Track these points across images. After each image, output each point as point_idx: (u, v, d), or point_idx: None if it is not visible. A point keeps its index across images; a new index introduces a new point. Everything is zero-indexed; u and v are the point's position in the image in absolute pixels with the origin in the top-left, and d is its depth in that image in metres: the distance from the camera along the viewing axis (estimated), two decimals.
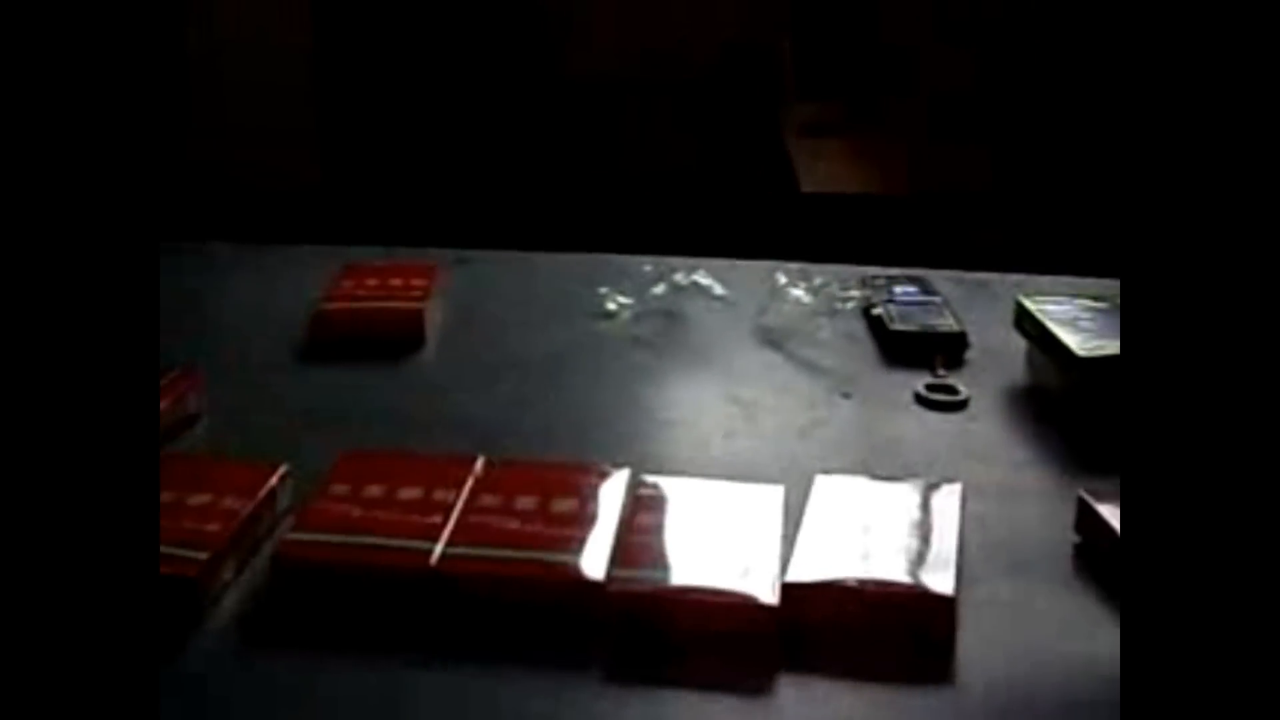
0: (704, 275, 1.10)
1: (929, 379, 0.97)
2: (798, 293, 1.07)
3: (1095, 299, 1.01)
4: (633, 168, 2.77)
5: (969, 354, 1.02)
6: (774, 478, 0.79)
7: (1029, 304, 0.99)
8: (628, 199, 2.64)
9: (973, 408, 0.95)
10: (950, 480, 0.80)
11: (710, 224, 2.38)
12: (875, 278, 1.11)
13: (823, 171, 2.28)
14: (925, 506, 0.77)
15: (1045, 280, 1.15)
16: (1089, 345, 0.92)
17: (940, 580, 0.69)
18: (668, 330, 1.05)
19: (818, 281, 1.08)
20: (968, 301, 1.10)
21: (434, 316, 1.06)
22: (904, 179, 2.17)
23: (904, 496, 0.78)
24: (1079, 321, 0.96)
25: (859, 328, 1.06)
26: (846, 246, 1.69)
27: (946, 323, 1.03)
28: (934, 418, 0.93)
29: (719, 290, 1.09)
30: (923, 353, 1.00)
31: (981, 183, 2.17)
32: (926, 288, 1.09)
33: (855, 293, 1.08)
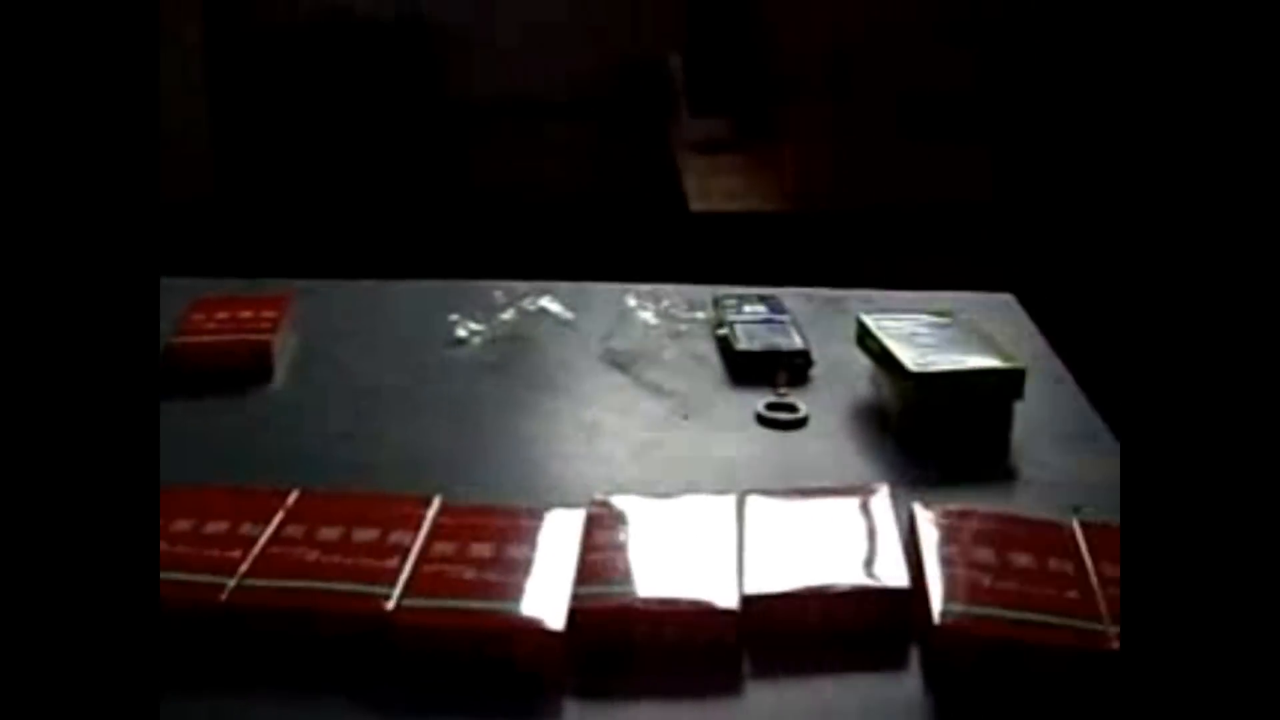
0: (552, 300, 1.10)
1: (771, 398, 0.97)
2: (646, 315, 1.07)
3: (939, 314, 1.02)
4: (521, 189, 2.77)
5: (815, 372, 1.03)
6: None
7: (869, 321, 1.00)
8: (518, 221, 2.64)
9: (814, 425, 0.96)
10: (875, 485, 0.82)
11: (602, 245, 2.38)
12: (726, 297, 1.12)
13: (713, 188, 2.29)
14: (862, 512, 0.78)
15: (904, 295, 1.17)
16: (923, 361, 0.93)
17: (895, 576, 0.71)
18: (516, 355, 1.05)
19: (665, 304, 1.09)
20: (819, 319, 1.11)
21: (284, 347, 1.05)
22: (793, 195, 2.19)
23: (836, 506, 0.79)
24: (916, 337, 0.97)
25: (708, 348, 1.07)
26: (736, 264, 1.70)
27: (791, 341, 1.04)
28: (773, 436, 0.94)
29: (567, 315, 1.09)
30: (767, 371, 1.01)
31: (872, 198, 2.19)
32: (775, 306, 1.10)
33: (700, 314, 1.09)
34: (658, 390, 0.99)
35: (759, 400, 0.97)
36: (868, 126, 2.16)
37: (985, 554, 0.73)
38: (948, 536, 0.75)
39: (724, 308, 1.10)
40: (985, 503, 0.82)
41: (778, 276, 1.22)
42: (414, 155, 2.74)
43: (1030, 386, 0.95)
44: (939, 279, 1.17)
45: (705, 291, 1.14)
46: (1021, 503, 0.86)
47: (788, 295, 1.14)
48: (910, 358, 0.94)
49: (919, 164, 2.15)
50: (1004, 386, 0.94)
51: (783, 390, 0.98)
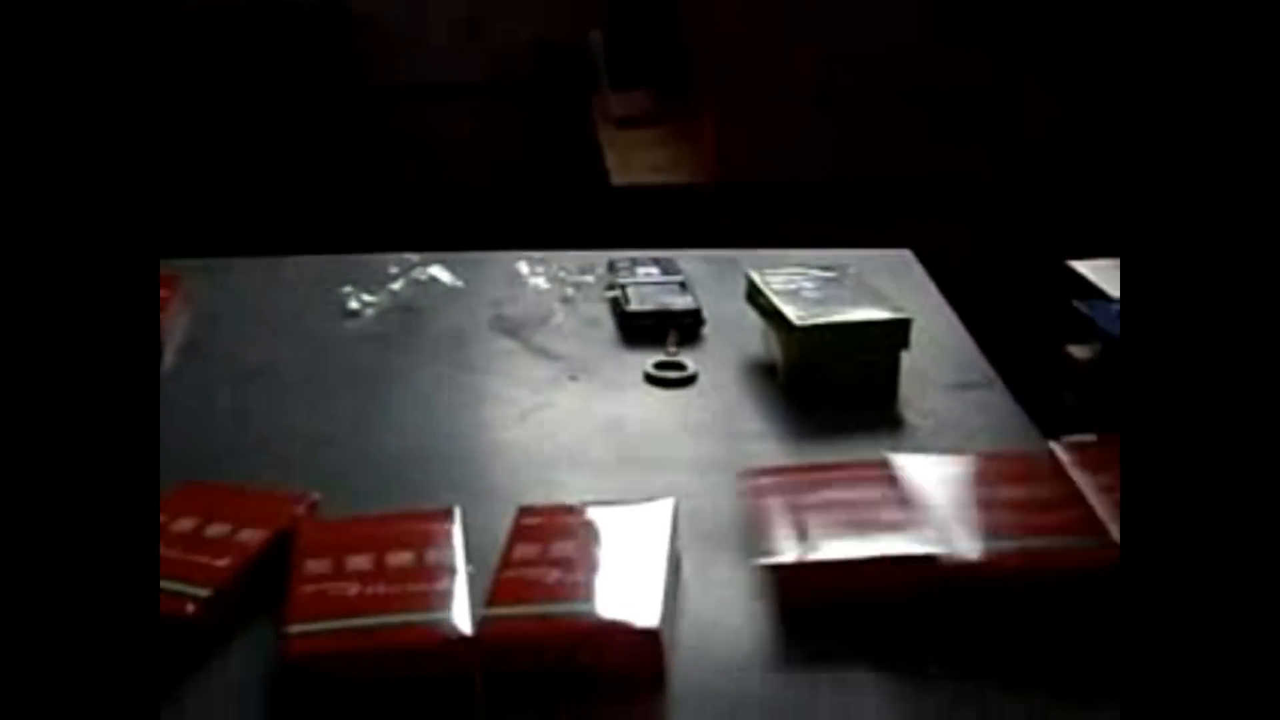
0: (442, 269, 1.09)
1: (661, 357, 0.97)
2: (537, 281, 1.07)
3: (827, 269, 1.03)
4: (445, 170, 2.76)
5: (707, 331, 1.03)
6: (489, 461, 0.79)
7: (756, 277, 1.00)
8: (443, 203, 2.62)
9: (703, 382, 0.96)
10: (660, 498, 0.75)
11: (526, 223, 2.37)
12: (620, 261, 1.12)
13: (635, 162, 2.29)
14: (634, 529, 0.71)
15: (802, 254, 1.17)
16: (807, 314, 0.94)
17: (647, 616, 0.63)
18: (407, 326, 1.05)
19: (557, 270, 1.08)
20: (714, 280, 1.11)
21: (174, 328, 1.04)
22: (713, 167, 2.18)
23: (614, 520, 0.72)
24: (803, 292, 0.97)
25: (601, 311, 1.06)
26: (659, 237, 1.69)
27: (682, 301, 1.04)
28: (661, 394, 0.94)
29: (457, 284, 1.09)
30: (659, 332, 1.01)
31: (791, 171, 2.19)
32: (668, 268, 1.10)
33: (591, 279, 1.09)
34: (547, 354, 0.99)
35: (649, 360, 0.97)
36: (786, 99, 2.16)
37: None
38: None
39: (617, 271, 1.09)
40: (869, 451, 0.82)
41: (699, 249, 1.21)
42: (337, 139, 2.72)
43: (923, 338, 0.96)
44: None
45: (599, 256, 1.14)
46: (906, 450, 0.86)
47: (684, 258, 1.14)
48: (795, 311, 0.94)
49: (840, 137, 2.15)
50: (889, 337, 0.94)
51: (673, 349, 0.98)
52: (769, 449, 0.87)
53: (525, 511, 0.72)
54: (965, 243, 1.94)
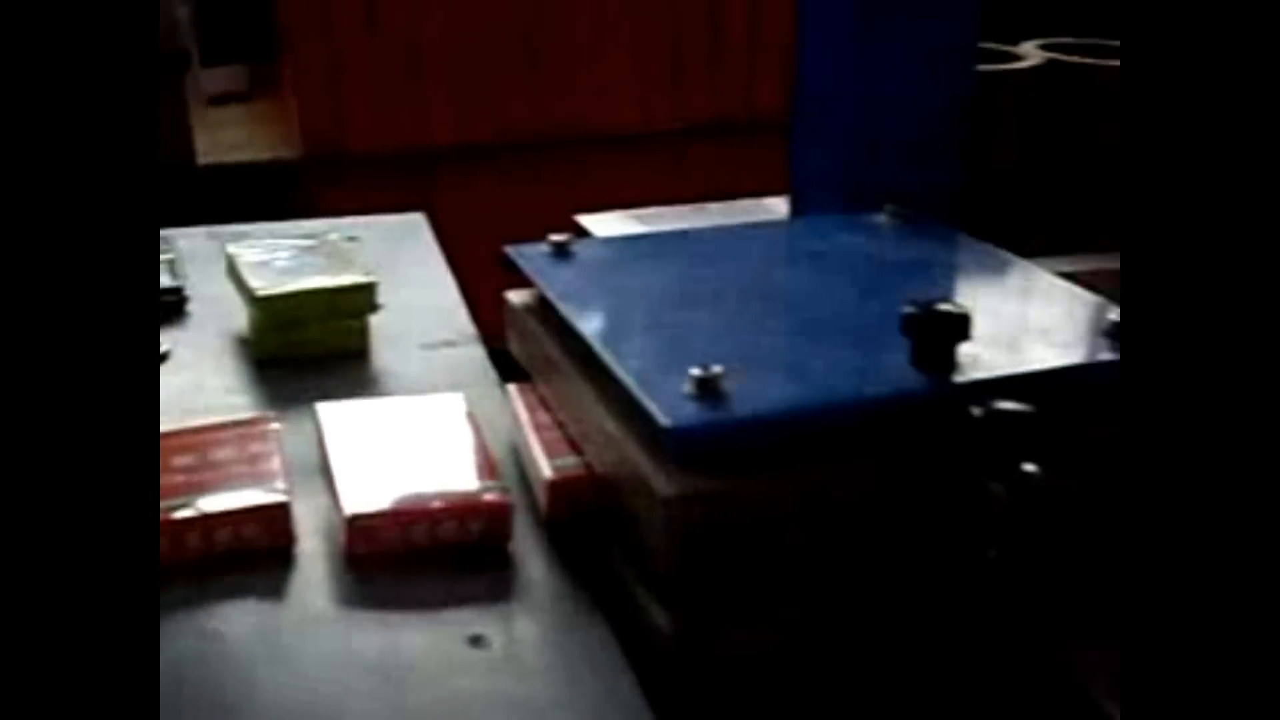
0: None
1: None
2: None
3: (307, 238, 1.04)
4: None
5: (193, 308, 1.03)
6: None
7: (233, 251, 1.00)
8: None
9: (176, 360, 0.96)
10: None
11: None
12: None
13: (221, 141, 2.25)
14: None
15: (304, 225, 1.18)
16: (270, 284, 0.95)
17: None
18: None
19: None
20: (209, 255, 1.10)
21: None
22: (300, 142, 2.17)
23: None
24: (275, 263, 0.98)
25: None
26: (245, 217, 1.66)
27: (164, 279, 1.04)
28: None
29: None
30: None
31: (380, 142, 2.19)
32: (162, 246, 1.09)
33: None
34: None
35: None
36: (376, 70, 2.16)
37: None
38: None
39: None
40: None
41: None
42: None
43: (414, 299, 1.00)
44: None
45: None
46: None
47: (182, 235, 1.13)
48: (259, 282, 0.95)
49: (432, 107, 2.17)
50: (355, 301, 0.96)
51: None
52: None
53: None
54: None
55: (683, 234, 0.93)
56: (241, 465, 0.74)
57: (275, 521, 0.71)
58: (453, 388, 0.91)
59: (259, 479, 0.73)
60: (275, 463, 0.75)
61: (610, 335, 0.70)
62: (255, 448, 0.76)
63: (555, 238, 0.83)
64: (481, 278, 0.98)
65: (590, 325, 0.71)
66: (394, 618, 0.66)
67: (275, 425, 0.79)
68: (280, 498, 0.71)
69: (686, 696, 0.63)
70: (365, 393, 0.91)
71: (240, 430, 0.78)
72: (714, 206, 1.26)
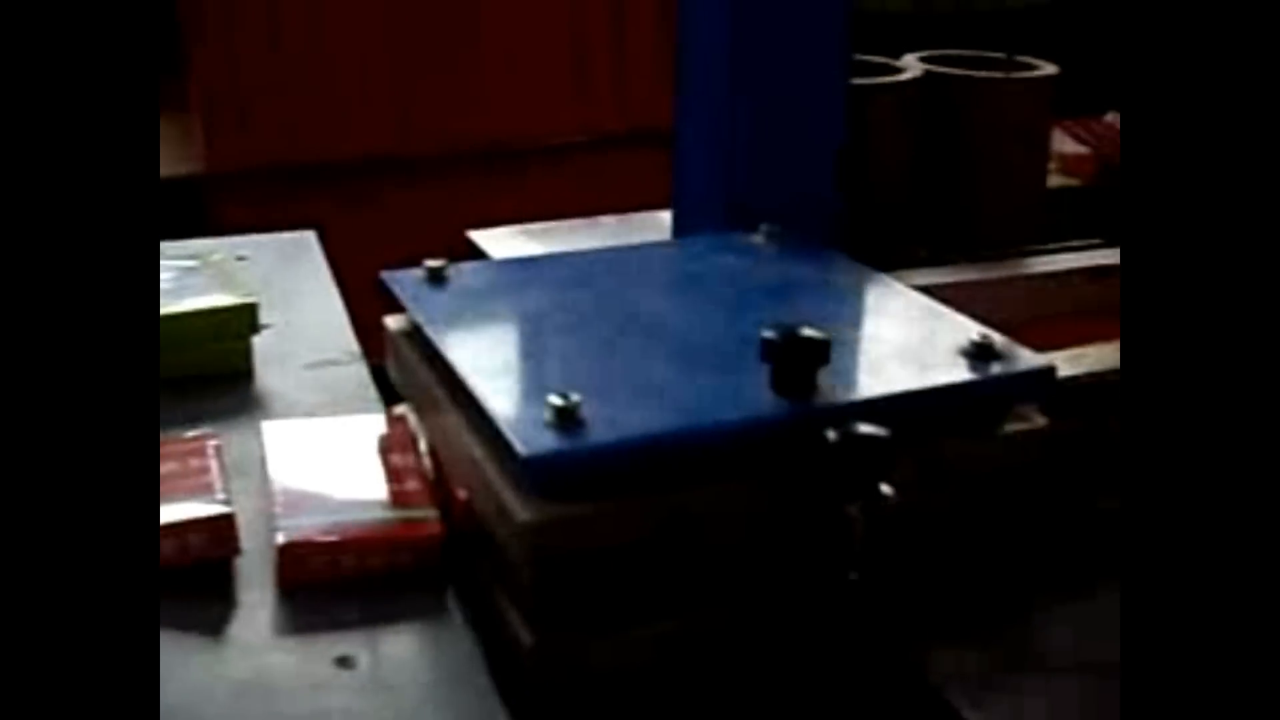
0: None
1: None
2: None
3: (191, 259, 1.04)
4: None
5: None
6: None
7: None
8: None
9: None
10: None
11: None
12: None
13: None
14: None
15: (198, 244, 1.18)
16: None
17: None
18: None
19: None
20: None
21: None
22: (202, 158, 2.16)
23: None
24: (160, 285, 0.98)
25: None
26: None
27: None
28: None
29: None
30: None
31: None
32: None
33: None
34: None
35: None
36: (279, 85, 2.16)
37: None
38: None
39: None
40: (233, 434, 0.86)
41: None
42: None
43: (298, 319, 1.03)
44: None
45: None
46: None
47: None
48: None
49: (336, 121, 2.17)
50: (235, 323, 0.96)
51: None
52: None
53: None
54: None
55: (558, 258, 0.94)
56: (185, 479, 0.75)
57: (220, 531, 0.72)
58: (333, 407, 0.92)
59: (200, 491, 0.74)
60: (215, 476, 0.76)
61: (476, 363, 0.71)
62: (195, 462, 0.78)
63: (431, 263, 0.84)
64: (379, 294, 0.99)
65: (457, 353, 0.72)
66: (261, 641, 0.67)
67: (216, 441, 0.81)
68: (224, 509, 0.72)
69: (553, 712, 0.64)
70: (248, 413, 0.92)
71: (181, 446, 0.80)
72: (607, 220, 1.27)
